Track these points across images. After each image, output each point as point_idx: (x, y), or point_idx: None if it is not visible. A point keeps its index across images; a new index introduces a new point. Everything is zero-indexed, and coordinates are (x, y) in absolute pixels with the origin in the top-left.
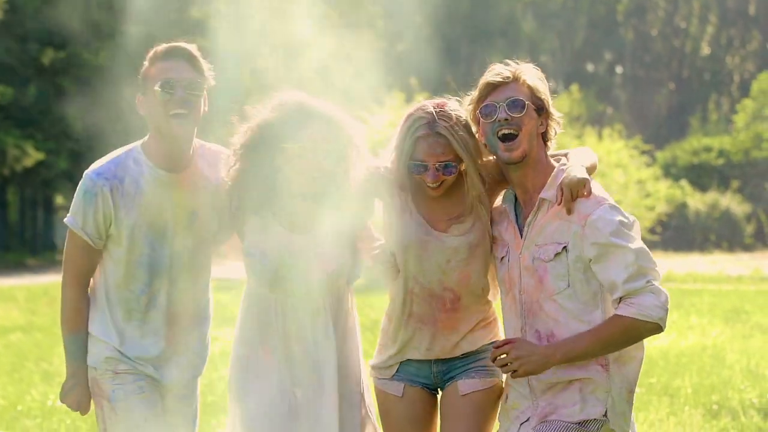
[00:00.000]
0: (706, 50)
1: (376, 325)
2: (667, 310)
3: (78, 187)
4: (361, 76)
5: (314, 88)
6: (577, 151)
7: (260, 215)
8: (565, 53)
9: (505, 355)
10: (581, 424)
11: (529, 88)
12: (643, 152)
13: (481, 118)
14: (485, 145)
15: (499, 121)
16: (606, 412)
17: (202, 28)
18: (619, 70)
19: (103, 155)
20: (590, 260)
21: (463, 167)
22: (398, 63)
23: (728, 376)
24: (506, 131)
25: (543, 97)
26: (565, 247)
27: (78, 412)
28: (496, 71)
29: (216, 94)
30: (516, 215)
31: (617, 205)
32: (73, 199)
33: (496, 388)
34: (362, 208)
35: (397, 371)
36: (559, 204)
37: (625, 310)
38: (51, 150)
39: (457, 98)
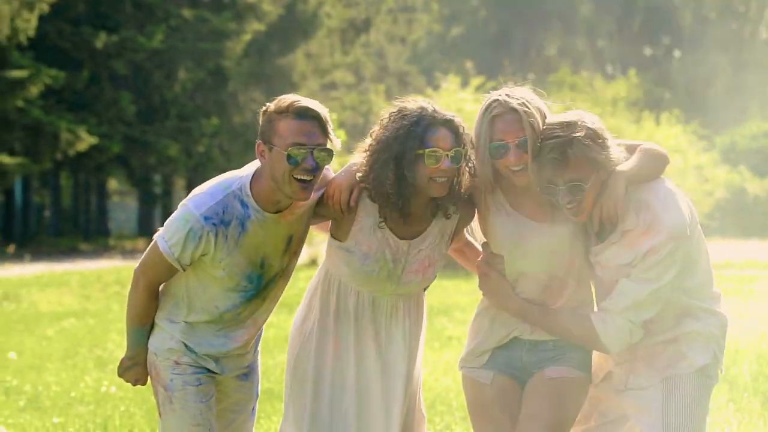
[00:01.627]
0: (764, 34)
1: (433, 311)
2: (623, 348)
3: (180, 217)
4: (416, 59)
5: (369, 71)
6: (644, 152)
7: (373, 217)
8: (623, 37)
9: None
10: (701, 371)
11: (587, 149)
12: (702, 137)
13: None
14: None
15: (561, 202)
16: (714, 353)
17: (256, 11)
18: (677, 54)
19: (157, 140)
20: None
21: None
22: (453, 46)
23: None
24: (571, 206)
25: (602, 152)
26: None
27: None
28: (549, 145)
29: (271, 78)
30: None
31: (680, 239)
32: (172, 227)
33: (583, 381)
34: (466, 214)
35: (487, 361)
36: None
37: (597, 320)
38: (104, 134)
39: (531, 87)
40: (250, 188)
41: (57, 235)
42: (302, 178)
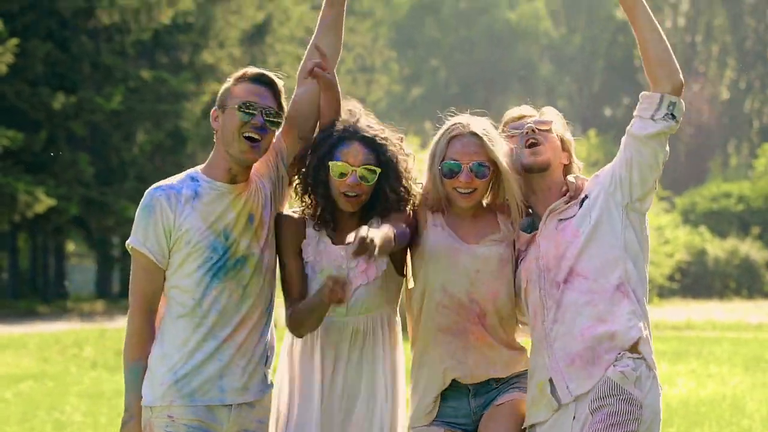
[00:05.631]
0: (725, 95)
1: None
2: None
3: (138, 208)
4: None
5: None
6: None
7: (315, 229)
8: (583, 97)
9: None
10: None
11: (553, 112)
12: (662, 198)
13: (507, 135)
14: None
15: (526, 132)
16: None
17: (215, 72)
18: None
19: (116, 202)
20: (621, 176)
21: (491, 178)
22: (413, 107)
23: (748, 426)
24: (533, 140)
25: (565, 136)
26: (586, 195)
27: None
28: (519, 108)
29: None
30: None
31: None
32: (134, 220)
33: None
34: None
35: (435, 417)
36: (572, 195)
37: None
38: (62, 196)
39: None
40: (202, 170)
41: (14, 297)
42: (251, 135)
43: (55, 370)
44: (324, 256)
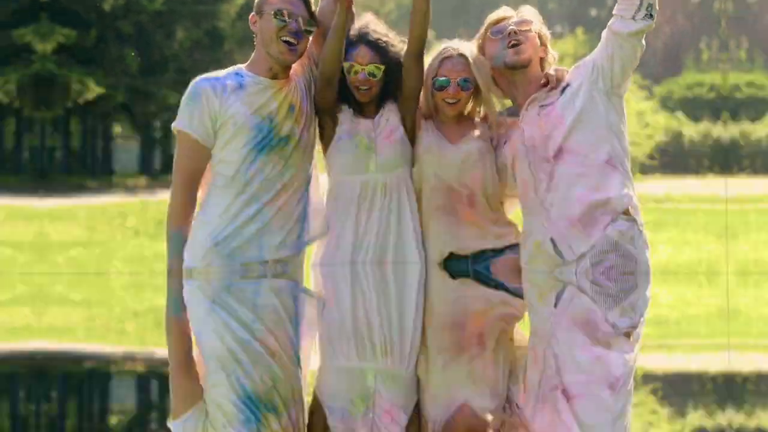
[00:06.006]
0: None
1: None
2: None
3: (183, 96)
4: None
5: None
6: None
7: (346, 106)
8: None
9: None
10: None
11: (531, 18)
12: (642, 87)
13: (490, 38)
14: (492, 77)
15: (508, 34)
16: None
17: None
18: None
19: (158, 90)
20: (603, 67)
21: (473, 91)
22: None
23: (724, 284)
24: (515, 41)
25: (542, 31)
26: (567, 84)
27: None
28: (499, 11)
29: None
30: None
31: None
32: (180, 107)
33: None
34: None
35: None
36: (553, 86)
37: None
38: (110, 85)
39: None
40: (245, 67)
41: (67, 173)
42: (288, 39)
43: (102, 237)
44: (357, 125)
